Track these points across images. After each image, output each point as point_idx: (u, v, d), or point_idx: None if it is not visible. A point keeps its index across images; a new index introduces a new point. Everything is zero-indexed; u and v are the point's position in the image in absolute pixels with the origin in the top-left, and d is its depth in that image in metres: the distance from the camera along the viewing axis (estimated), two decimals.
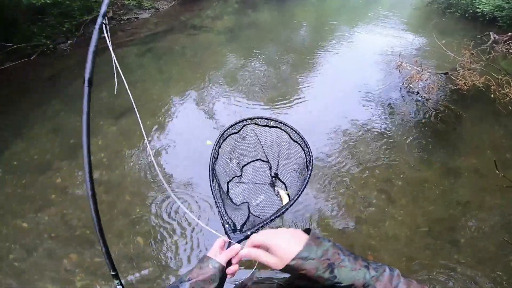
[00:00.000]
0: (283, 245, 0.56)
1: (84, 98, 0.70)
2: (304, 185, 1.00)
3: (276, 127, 1.16)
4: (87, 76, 0.71)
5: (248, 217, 1.07)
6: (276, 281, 0.80)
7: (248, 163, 1.28)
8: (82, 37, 5.06)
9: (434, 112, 3.52)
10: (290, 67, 4.45)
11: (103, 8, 0.76)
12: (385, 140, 3.13)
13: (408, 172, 2.80)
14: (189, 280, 0.68)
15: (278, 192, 1.21)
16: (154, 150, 2.98)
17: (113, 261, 0.65)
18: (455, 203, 2.52)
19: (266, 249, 0.59)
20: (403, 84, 3.95)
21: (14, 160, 2.92)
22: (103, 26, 0.74)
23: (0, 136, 3.19)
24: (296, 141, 1.12)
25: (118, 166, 2.82)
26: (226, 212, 0.91)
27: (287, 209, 0.96)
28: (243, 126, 1.16)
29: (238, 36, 5.42)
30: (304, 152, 1.09)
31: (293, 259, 0.53)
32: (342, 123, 3.33)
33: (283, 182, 1.24)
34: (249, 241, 0.65)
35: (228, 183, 1.20)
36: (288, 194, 1.21)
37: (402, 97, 3.80)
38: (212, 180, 1.01)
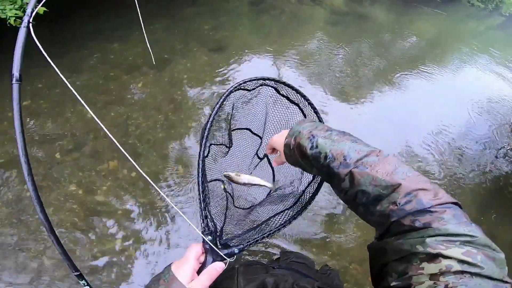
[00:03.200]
0: (281, 135, 0.68)
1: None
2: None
3: (298, 104, 0.88)
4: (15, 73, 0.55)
5: (226, 210, 0.88)
6: (264, 263, 0.87)
7: (235, 129, 1.01)
8: None
9: None
10: (370, 74, 3.99)
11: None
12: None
13: None
14: None
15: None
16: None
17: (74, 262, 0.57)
18: None
19: (273, 148, 0.75)
20: (508, 145, 3.34)
21: (111, 55, 3.26)
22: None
23: (112, 32, 3.54)
24: None
25: (195, 93, 2.98)
26: (211, 215, 0.67)
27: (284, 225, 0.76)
28: (260, 85, 0.85)
29: (340, 22, 5.09)
30: None
31: (285, 138, 0.64)
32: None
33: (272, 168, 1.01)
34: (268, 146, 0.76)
35: (209, 146, 0.91)
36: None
37: (496, 157, 3.24)
38: (203, 157, 0.67)
